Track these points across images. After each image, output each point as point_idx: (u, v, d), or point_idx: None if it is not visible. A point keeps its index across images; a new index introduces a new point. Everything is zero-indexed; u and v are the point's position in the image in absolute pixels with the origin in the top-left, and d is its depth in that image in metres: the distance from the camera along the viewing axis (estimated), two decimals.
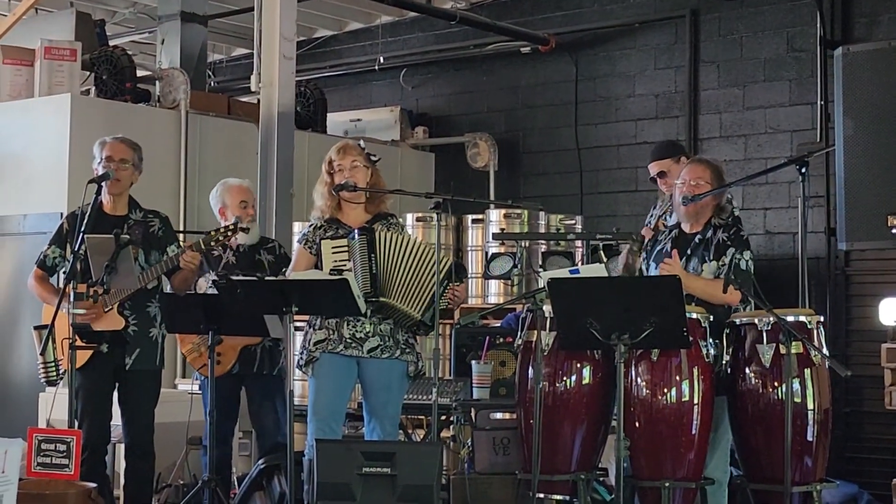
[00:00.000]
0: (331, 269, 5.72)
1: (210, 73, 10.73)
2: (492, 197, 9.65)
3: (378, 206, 6.02)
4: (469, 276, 8.40)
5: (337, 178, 5.93)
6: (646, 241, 5.97)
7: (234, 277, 5.91)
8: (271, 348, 6.58)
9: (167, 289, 6.22)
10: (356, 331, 5.80)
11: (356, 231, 5.81)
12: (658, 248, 5.77)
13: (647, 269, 5.79)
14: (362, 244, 5.76)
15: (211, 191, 6.85)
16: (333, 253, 5.82)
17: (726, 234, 5.60)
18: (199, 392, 6.91)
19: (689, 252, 5.63)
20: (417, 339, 6.05)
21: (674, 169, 6.40)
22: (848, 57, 7.11)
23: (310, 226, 6.04)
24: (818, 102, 8.35)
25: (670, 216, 6.31)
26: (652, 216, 6.53)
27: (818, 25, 8.36)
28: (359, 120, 10.53)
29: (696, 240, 5.64)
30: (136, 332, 5.99)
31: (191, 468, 7.27)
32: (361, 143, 6.13)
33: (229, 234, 6.05)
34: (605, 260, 6.31)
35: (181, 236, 6.94)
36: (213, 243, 6.05)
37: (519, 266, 7.77)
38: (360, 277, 5.67)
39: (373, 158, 6.03)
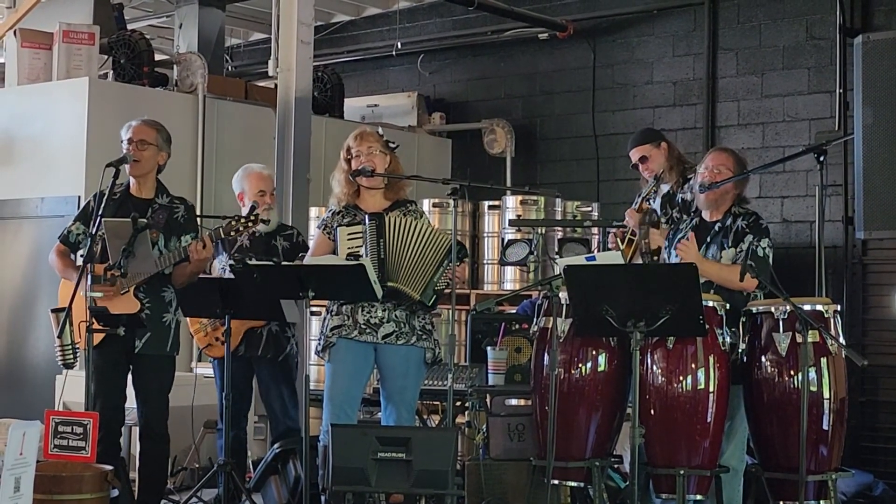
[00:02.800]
0: (347, 255, 5.73)
1: (228, 58, 10.74)
2: (508, 183, 9.64)
3: (397, 193, 6.01)
4: (485, 262, 8.40)
5: (354, 165, 5.93)
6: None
7: (251, 262, 5.93)
8: (277, 333, 6.59)
9: None
10: (370, 316, 5.81)
11: (367, 216, 5.82)
12: (679, 236, 5.77)
13: (668, 257, 5.79)
14: (371, 229, 5.77)
15: (228, 175, 6.88)
16: (349, 239, 5.83)
17: (745, 221, 5.61)
18: (213, 375, 6.94)
19: (708, 240, 5.63)
20: (434, 324, 6.06)
21: (654, 154, 6.47)
22: (867, 45, 7.08)
23: (329, 212, 6.05)
24: (837, 91, 8.31)
25: (653, 200, 6.32)
26: (636, 203, 6.56)
27: (838, 13, 8.31)
28: (376, 105, 10.52)
29: (716, 227, 5.64)
30: (148, 316, 5.99)
31: (206, 451, 7.31)
32: (380, 130, 6.12)
33: (250, 224, 6.05)
34: (621, 247, 6.30)
35: (198, 220, 6.95)
36: (232, 233, 6.05)
37: (535, 253, 7.77)
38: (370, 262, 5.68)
39: (391, 145, 6.02)
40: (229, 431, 6.51)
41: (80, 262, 6.01)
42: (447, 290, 5.83)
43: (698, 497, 5.26)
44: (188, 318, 6.75)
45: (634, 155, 6.55)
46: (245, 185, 6.74)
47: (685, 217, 6.03)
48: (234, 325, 6.50)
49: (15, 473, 4.44)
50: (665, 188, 6.46)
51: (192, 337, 8.32)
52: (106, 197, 5.85)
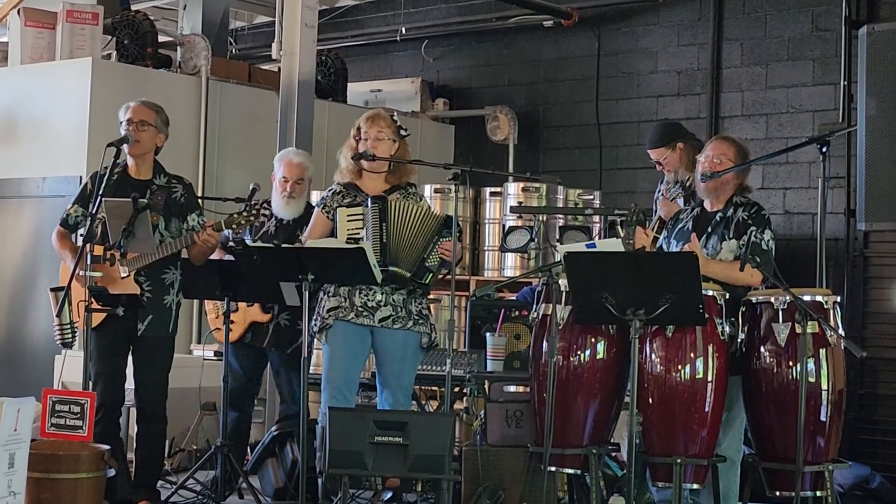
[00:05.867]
0: (347, 238, 5.73)
1: (231, 40, 10.72)
2: (511, 170, 9.63)
3: (399, 179, 5.99)
4: (486, 248, 8.39)
5: (360, 147, 5.91)
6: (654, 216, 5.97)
7: (250, 243, 5.93)
8: (286, 326, 6.58)
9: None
10: (368, 299, 5.80)
11: (369, 199, 5.81)
12: (679, 226, 5.76)
13: (668, 247, 5.77)
14: (374, 213, 5.77)
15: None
16: (349, 221, 5.82)
17: (747, 212, 5.57)
18: (215, 358, 6.96)
19: (709, 230, 5.60)
20: (432, 309, 6.06)
21: (669, 157, 6.50)
22: (872, 36, 7.07)
23: (329, 191, 6.04)
24: (842, 83, 8.28)
25: (680, 199, 6.30)
26: (659, 192, 6.56)
27: (843, 5, 8.28)
28: (379, 90, 10.50)
29: (717, 218, 5.61)
30: (149, 300, 6.00)
31: (205, 433, 7.31)
32: (395, 115, 6.08)
33: (252, 217, 6.05)
34: (622, 235, 6.29)
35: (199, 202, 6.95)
36: (234, 226, 6.06)
37: (536, 240, 7.75)
38: (371, 246, 5.67)
39: (402, 133, 5.99)
40: (226, 413, 6.52)
41: (80, 242, 6.01)
42: (446, 272, 5.82)
43: (695, 486, 5.26)
44: (206, 304, 6.78)
45: (652, 156, 6.58)
46: (277, 168, 6.74)
47: (686, 207, 6.01)
48: (239, 316, 6.53)
49: (9, 449, 4.45)
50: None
51: (192, 319, 8.39)
52: (106, 177, 5.86)
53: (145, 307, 5.99)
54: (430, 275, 5.85)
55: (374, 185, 5.94)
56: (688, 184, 6.41)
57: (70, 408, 5.29)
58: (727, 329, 5.26)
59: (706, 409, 5.20)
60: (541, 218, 7.91)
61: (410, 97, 10.32)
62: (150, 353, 6.08)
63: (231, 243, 6.34)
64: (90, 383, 5.82)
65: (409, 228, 5.79)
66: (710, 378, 5.19)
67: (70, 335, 5.97)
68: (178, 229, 6.08)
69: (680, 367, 5.19)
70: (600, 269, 5.15)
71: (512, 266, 8.22)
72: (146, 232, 5.85)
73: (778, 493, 5.24)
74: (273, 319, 6.58)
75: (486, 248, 8.42)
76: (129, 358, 6.12)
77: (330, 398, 5.74)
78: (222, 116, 8.82)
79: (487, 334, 6.37)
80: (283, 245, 6.00)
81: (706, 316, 5.12)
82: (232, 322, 6.59)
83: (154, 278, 6.03)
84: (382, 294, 5.81)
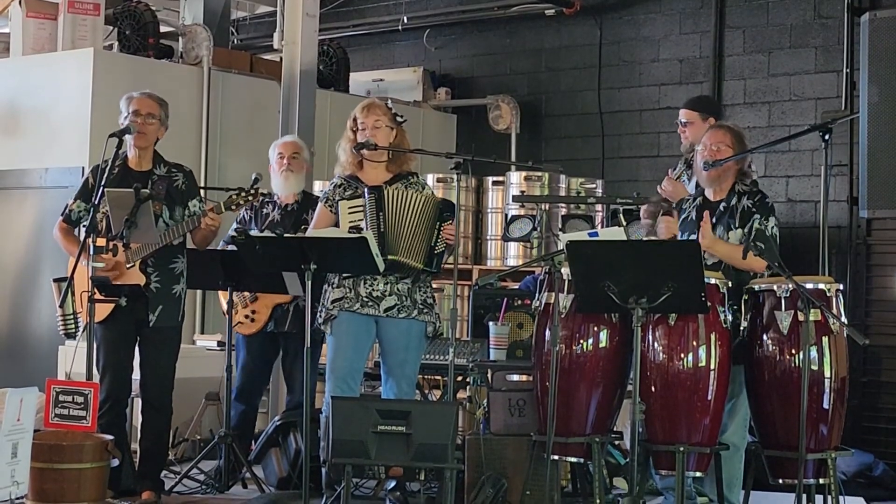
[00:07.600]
0: (349, 229, 5.73)
1: (233, 31, 10.71)
2: (513, 159, 9.62)
3: (400, 167, 5.99)
4: (488, 237, 8.39)
5: (359, 137, 5.91)
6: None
7: (253, 233, 5.93)
8: (304, 308, 6.59)
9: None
10: (372, 289, 5.81)
11: (366, 189, 5.82)
12: (682, 216, 5.76)
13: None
14: (371, 203, 5.77)
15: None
16: (350, 213, 5.83)
17: (751, 201, 5.57)
18: (219, 349, 6.97)
19: (714, 220, 5.60)
20: (436, 298, 6.07)
21: (697, 125, 6.41)
22: (874, 23, 7.05)
23: (331, 184, 6.04)
24: (844, 70, 8.27)
25: (687, 179, 6.30)
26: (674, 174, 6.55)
27: None
28: (381, 80, 10.49)
29: (721, 207, 5.61)
30: (158, 290, 6.00)
31: (208, 423, 7.33)
32: (390, 102, 6.09)
33: (250, 197, 6.06)
34: (624, 224, 6.29)
35: (202, 192, 6.96)
36: (234, 206, 6.06)
37: (538, 229, 7.74)
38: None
39: (399, 119, 6.00)
40: (230, 403, 6.53)
41: (83, 234, 6.01)
42: (448, 257, 5.83)
43: (697, 474, 5.28)
44: (221, 295, 6.79)
45: (681, 114, 6.56)
46: (271, 154, 6.81)
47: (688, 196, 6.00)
48: (264, 302, 6.53)
49: (12, 439, 4.46)
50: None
51: (195, 309, 8.39)
52: (108, 169, 5.86)
53: (155, 297, 5.99)
54: (437, 260, 5.86)
55: (376, 176, 5.94)
56: (691, 161, 6.41)
57: (74, 398, 5.30)
58: (730, 317, 5.26)
59: (709, 398, 5.21)
60: (543, 207, 7.90)
61: (412, 86, 10.32)
62: (159, 343, 6.08)
63: (234, 234, 6.35)
64: (97, 376, 5.82)
65: (409, 217, 5.78)
66: (712, 366, 5.20)
67: (73, 325, 5.97)
68: (182, 217, 6.09)
69: (682, 355, 5.20)
70: (603, 257, 5.15)
71: (514, 255, 8.21)
72: (148, 222, 5.85)
73: (781, 481, 5.25)
74: (294, 300, 6.58)
75: (488, 237, 8.42)
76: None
77: (334, 388, 5.75)
78: (224, 106, 8.82)
79: (490, 323, 6.37)
80: (286, 235, 6.01)
81: (708, 304, 5.13)
82: (255, 312, 6.60)
83: (163, 268, 6.04)
84: (386, 284, 5.81)
